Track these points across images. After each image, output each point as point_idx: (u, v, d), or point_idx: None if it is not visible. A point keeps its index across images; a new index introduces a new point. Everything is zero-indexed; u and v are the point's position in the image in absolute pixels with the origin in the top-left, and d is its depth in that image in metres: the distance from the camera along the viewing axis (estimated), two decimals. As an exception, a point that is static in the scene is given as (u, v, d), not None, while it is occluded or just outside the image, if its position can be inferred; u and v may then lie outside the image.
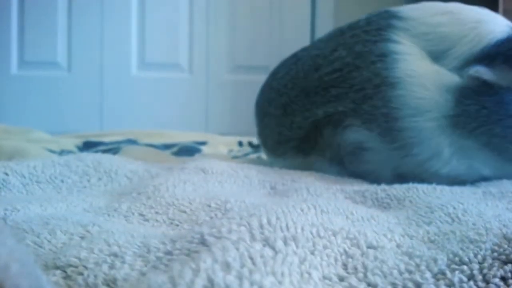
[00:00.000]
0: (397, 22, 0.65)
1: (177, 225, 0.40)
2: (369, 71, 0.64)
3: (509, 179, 0.61)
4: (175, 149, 1.14)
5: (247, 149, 1.23)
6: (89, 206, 0.46)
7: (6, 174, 0.53)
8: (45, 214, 0.40)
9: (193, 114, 2.12)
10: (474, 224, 0.36)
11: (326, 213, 0.37)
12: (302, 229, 0.30)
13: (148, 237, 0.32)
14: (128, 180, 0.58)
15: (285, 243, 0.27)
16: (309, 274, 0.25)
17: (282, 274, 0.24)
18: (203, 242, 0.27)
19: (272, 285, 0.22)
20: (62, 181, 0.55)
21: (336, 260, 0.29)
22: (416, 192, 0.50)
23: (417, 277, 0.27)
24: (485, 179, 0.63)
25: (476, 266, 0.27)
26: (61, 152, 0.96)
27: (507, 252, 0.28)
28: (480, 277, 0.27)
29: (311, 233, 0.30)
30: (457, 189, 0.53)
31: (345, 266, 0.28)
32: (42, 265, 0.28)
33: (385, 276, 0.27)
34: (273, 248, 0.26)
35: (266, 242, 0.26)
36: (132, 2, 2.08)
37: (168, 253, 0.28)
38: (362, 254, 0.30)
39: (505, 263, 0.27)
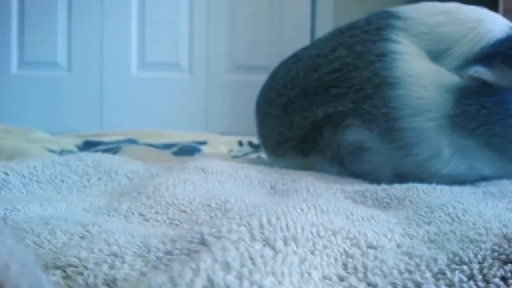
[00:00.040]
0: (396, 22, 0.65)
1: (177, 225, 0.40)
2: (369, 71, 0.64)
3: (509, 179, 0.61)
4: (175, 149, 1.14)
5: (247, 149, 1.23)
6: (89, 206, 0.46)
7: (6, 174, 0.53)
8: (45, 214, 0.40)
9: (193, 114, 2.12)
10: (474, 224, 0.37)
11: (326, 213, 0.37)
12: (302, 229, 0.30)
13: (148, 237, 0.32)
14: (128, 180, 0.58)
15: (285, 243, 0.27)
16: (309, 274, 0.25)
17: (282, 274, 0.24)
18: (203, 242, 0.27)
19: (272, 285, 0.22)
20: (62, 181, 0.55)
21: (336, 260, 0.29)
22: (416, 192, 0.50)
23: (417, 277, 0.27)
24: (485, 179, 0.63)
25: (476, 266, 0.27)
26: (61, 152, 0.96)
27: (507, 252, 0.28)
28: (480, 277, 0.27)
29: (311, 233, 0.30)
30: (457, 189, 0.53)
31: (345, 266, 0.28)
32: (42, 265, 0.28)
33: (385, 276, 0.27)
34: (273, 248, 0.26)
35: (266, 242, 0.26)
36: (132, 2, 2.08)
37: (168, 253, 0.28)
38: (362, 254, 0.30)
39: (505, 263, 0.27)
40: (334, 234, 0.31)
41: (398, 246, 0.32)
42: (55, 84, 2.04)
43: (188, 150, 1.12)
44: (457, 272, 0.27)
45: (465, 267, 0.28)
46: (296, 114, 0.71)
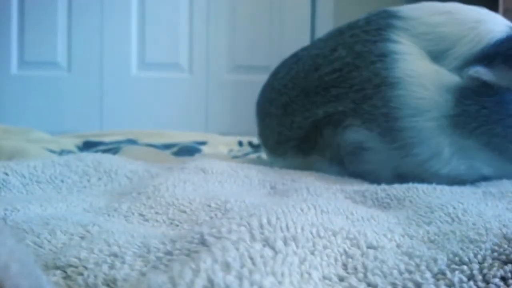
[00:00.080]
0: (396, 22, 0.65)
1: (177, 225, 0.40)
2: (369, 71, 0.64)
3: (509, 179, 0.61)
4: (175, 149, 1.14)
5: (247, 149, 1.23)
6: (89, 206, 0.46)
7: (6, 174, 0.53)
8: (45, 214, 0.40)
9: (193, 114, 2.12)
10: (474, 224, 0.36)
11: (326, 213, 0.37)
12: (302, 229, 0.30)
13: (148, 237, 0.32)
14: (128, 180, 0.58)
15: (285, 243, 0.27)
16: (309, 274, 0.25)
17: (282, 274, 0.24)
18: (203, 242, 0.27)
19: (272, 285, 0.22)
20: (62, 181, 0.55)
21: (336, 260, 0.29)
22: (416, 192, 0.50)
23: (417, 277, 0.27)
24: (485, 179, 0.63)
25: (476, 266, 0.27)
26: (61, 152, 0.96)
27: (507, 252, 0.28)
28: (480, 277, 0.27)
29: (311, 233, 0.30)
30: (457, 189, 0.53)
31: (345, 266, 0.28)
32: (42, 265, 0.28)
33: (385, 276, 0.27)
34: (273, 248, 0.26)
35: (266, 242, 0.26)
36: (132, 2, 2.08)
37: (168, 253, 0.28)
38: (362, 254, 0.30)
39: (505, 263, 0.27)
40: (334, 234, 0.31)
41: (398, 246, 0.32)
42: (55, 84, 2.04)
43: (188, 150, 1.13)
44: (457, 272, 0.27)
45: (465, 267, 0.28)
46: (296, 114, 0.71)
